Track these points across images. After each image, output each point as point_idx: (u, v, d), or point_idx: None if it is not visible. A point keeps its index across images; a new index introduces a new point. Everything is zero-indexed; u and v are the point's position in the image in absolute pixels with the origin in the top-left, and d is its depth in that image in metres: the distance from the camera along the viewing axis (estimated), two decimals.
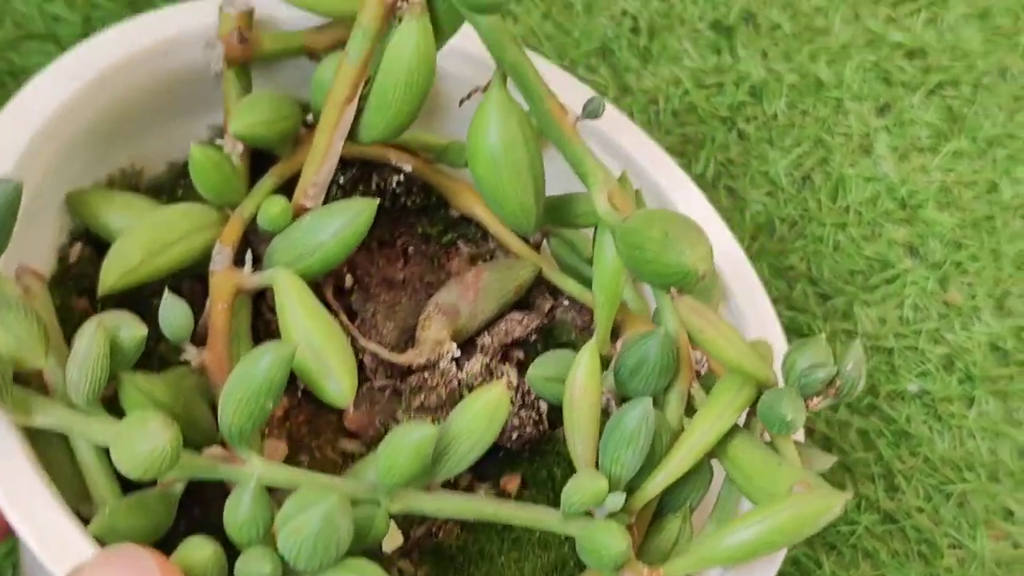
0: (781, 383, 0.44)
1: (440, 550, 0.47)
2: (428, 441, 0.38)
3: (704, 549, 0.42)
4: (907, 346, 0.71)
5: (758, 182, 0.75)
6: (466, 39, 0.45)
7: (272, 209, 0.46)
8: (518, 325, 0.51)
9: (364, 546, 0.40)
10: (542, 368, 0.47)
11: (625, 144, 0.55)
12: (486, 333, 0.51)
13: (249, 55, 0.49)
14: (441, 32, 0.44)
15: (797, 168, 0.76)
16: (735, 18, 0.79)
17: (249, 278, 0.46)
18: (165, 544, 0.39)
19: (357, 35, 0.44)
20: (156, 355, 0.47)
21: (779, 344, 0.51)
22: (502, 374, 0.49)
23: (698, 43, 0.78)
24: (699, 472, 0.45)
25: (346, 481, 0.41)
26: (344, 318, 0.50)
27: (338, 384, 0.42)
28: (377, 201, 0.46)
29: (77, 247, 0.50)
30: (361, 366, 0.49)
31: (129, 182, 0.52)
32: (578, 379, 0.43)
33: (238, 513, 0.38)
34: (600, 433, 0.43)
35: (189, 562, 0.38)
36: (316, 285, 0.50)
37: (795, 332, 0.70)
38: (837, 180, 0.76)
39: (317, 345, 0.42)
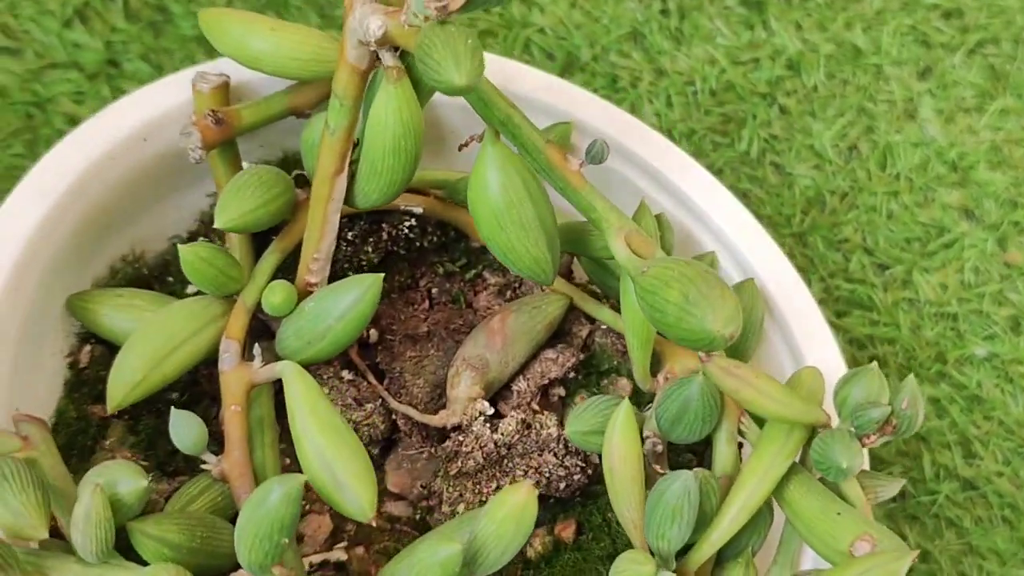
0: (834, 418, 0.42)
1: None
2: (454, 560, 0.37)
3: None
4: (971, 310, 0.70)
5: (804, 156, 0.73)
6: None
7: (274, 298, 0.45)
8: (554, 365, 0.49)
9: None
10: (579, 423, 0.45)
11: (648, 156, 0.52)
12: (521, 377, 0.49)
13: (229, 134, 0.47)
14: (424, 88, 0.42)
15: (842, 139, 0.74)
16: None
17: (260, 372, 0.44)
18: None
19: (335, 106, 0.42)
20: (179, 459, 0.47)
21: (833, 360, 0.49)
22: (540, 426, 0.47)
23: (730, 20, 0.76)
24: (758, 518, 0.43)
25: None
26: (372, 379, 0.49)
27: (355, 498, 0.40)
28: (381, 276, 0.44)
29: (87, 349, 0.49)
30: (395, 427, 0.48)
31: (133, 267, 0.51)
32: (615, 446, 0.42)
33: None
34: (646, 493, 0.41)
35: None
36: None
37: (856, 304, 0.69)
38: (884, 148, 0.74)
39: (329, 457, 0.40)
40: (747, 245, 0.51)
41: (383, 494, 0.49)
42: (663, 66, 0.74)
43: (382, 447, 0.49)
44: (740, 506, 0.41)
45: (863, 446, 0.41)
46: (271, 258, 0.47)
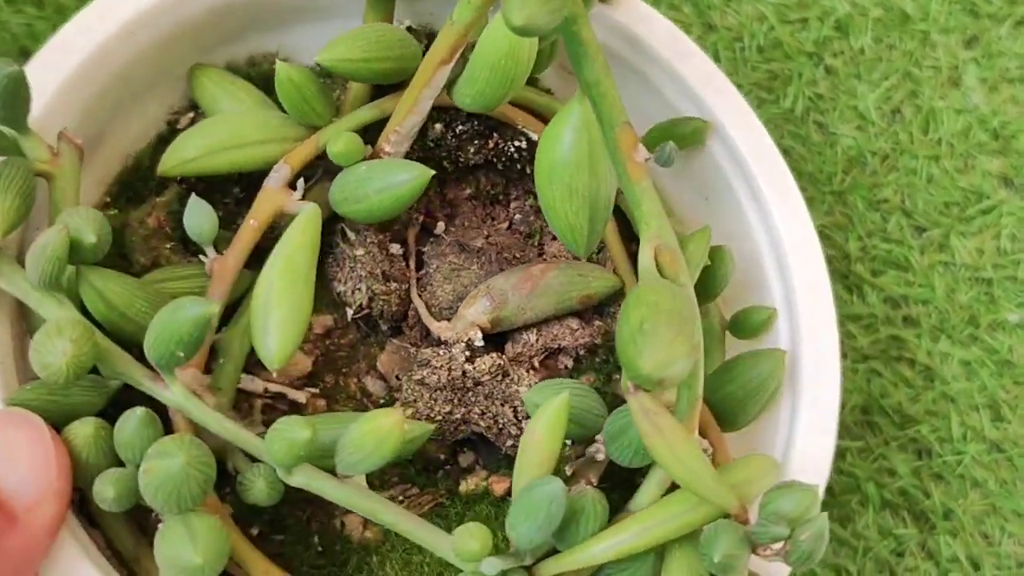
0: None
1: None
2: (301, 444, 0.38)
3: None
4: (1006, 276, 0.69)
5: (847, 116, 0.73)
6: None
7: (336, 146, 0.46)
8: (569, 334, 0.49)
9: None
10: (537, 395, 0.44)
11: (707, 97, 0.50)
12: (534, 331, 0.49)
13: None
14: None
15: (886, 102, 0.74)
16: None
17: (292, 202, 0.45)
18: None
19: (464, 2, 0.43)
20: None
21: (831, 397, 0.47)
22: (516, 380, 0.47)
23: None
24: (637, 565, 0.42)
25: (252, 440, 0.41)
26: (411, 264, 0.50)
27: (270, 346, 0.40)
28: (431, 173, 0.44)
29: (189, 116, 0.51)
30: (407, 315, 0.49)
31: (269, 68, 0.52)
32: (536, 431, 0.41)
33: (122, 432, 0.39)
34: None
35: (74, 436, 0.39)
36: (404, 222, 0.51)
37: (892, 264, 0.69)
38: (927, 113, 0.73)
39: (272, 301, 0.41)
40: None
41: (370, 369, 0.49)
42: (713, 21, 0.74)
43: (393, 328, 0.50)
44: (610, 544, 0.40)
45: (755, 553, 0.39)
46: (366, 113, 0.48)
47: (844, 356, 0.67)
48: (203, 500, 0.38)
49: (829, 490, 0.64)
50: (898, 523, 0.64)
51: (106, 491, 0.39)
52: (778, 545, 0.39)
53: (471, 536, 0.39)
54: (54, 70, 0.45)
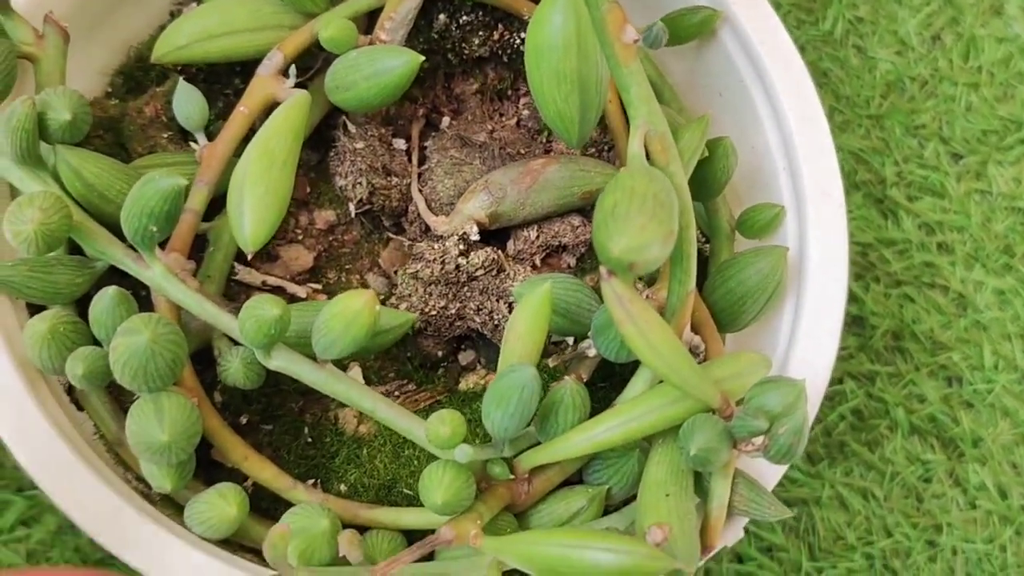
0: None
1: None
2: (271, 321, 0.37)
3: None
4: None
5: (887, 41, 0.71)
6: None
7: (327, 32, 0.44)
8: (571, 231, 0.47)
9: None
10: (525, 287, 0.42)
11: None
12: (535, 227, 0.47)
13: None
14: None
15: (927, 27, 0.72)
16: None
17: (283, 89, 0.44)
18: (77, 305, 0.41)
19: None
20: None
21: (836, 299, 0.45)
22: (511, 276, 0.46)
23: None
24: (622, 463, 0.41)
25: (222, 318, 0.40)
26: (414, 159, 0.49)
27: (245, 229, 0.40)
28: (420, 59, 0.43)
29: (192, 6, 0.50)
30: (407, 210, 0.48)
31: None
32: (518, 319, 0.40)
33: (95, 310, 0.39)
34: None
35: (33, 332, 0.39)
36: (409, 117, 0.50)
37: (928, 190, 0.68)
38: (968, 40, 0.72)
39: (248, 182, 0.40)
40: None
41: (373, 266, 0.49)
42: None
43: (396, 225, 0.49)
44: (589, 436, 0.39)
45: (735, 449, 0.38)
46: (363, 1, 0.47)
47: (876, 281, 0.66)
48: (173, 380, 0.37)
49: (858, 414, 0.63)
50: (926, 449, 0.63)
51: (76, 367, 0.39)
52: (759, 441, 0.38)
53: (442, 422, 0.38)
54: None
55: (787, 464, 0.38)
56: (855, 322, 0.65)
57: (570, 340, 0.46)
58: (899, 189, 0.68)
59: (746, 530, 0.59)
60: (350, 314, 0.37)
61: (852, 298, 0.65)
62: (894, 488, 0.62)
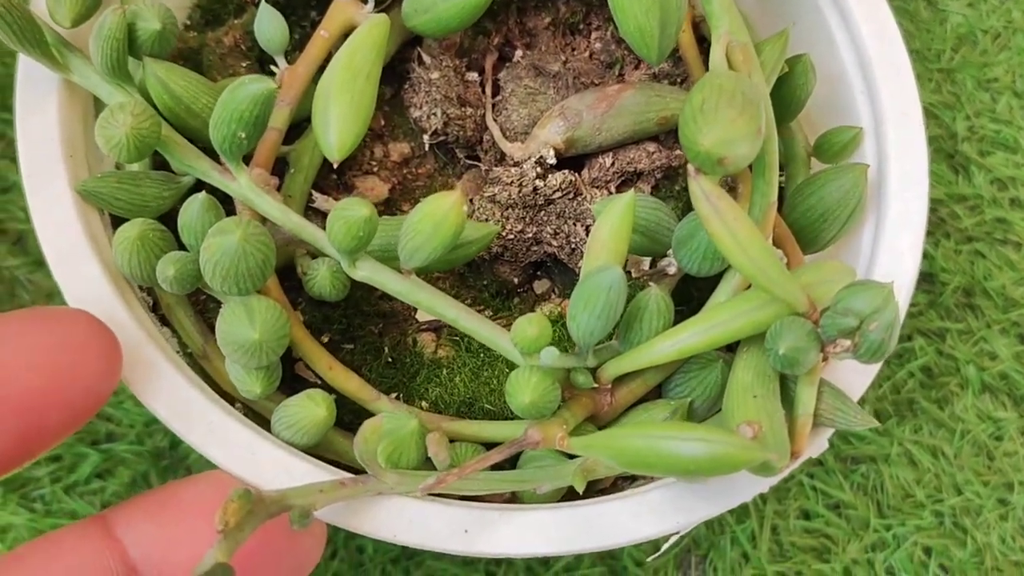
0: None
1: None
2: (360, 223, 0.37)
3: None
4: None
5: None
6: None
7: None
8: (645, 157, 0.47)
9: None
10: (609, 201, 0.41)
11: None
12: (610, 153, 0.47)
13: None
14: None
15: None
16: None
17: (362, 15, 0.45)
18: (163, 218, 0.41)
19: None
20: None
21: (918, 217, 0.44)
22: (588, 199, 0.46)
23: None
24: (705, 373, 0.41)
25: (315, 231, 0.40)
26: (487, 89, 0.49)
27: (331, 138, 0.40)
28: None
29: None
30: (481, 139, 0.48)
31: None
32: (600, 230, 0.40)
33: (185, 216, 0.39)
34: None
35: (123, 238, 0.40)
36: (482, 49, 0.50)
37: (1001, 145, 0.67)
38: None
39: (332, 93, 0.40)
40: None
41: None
42: None
43: (470, 157, 0.50)
44: (674, 342, 0.39)
45: (823, 352, 0.38)
46: None
47: (947, 237, 0.65)
48: (262, 282, 0.38)
49: (928, 371, 0.62)
50: (997, 407, 0.62)
51: (166, 270, 0.39)
52: (847, 343, 0.37)
53: (529, 323, 0.38)
54: None
55: (878, 363, 0.37)
56: (925, 279, 0.64)
57: (646, 263, 0.46)
58: (971, 144, 0.67)
59: (813, 487, 0.59)
60: (439, 214, 0.37)
61: (922, 254, 0.64)
62: (964, 446, 0.61)
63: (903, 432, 0.61)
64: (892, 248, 0.44)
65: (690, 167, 0.36)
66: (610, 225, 0.39)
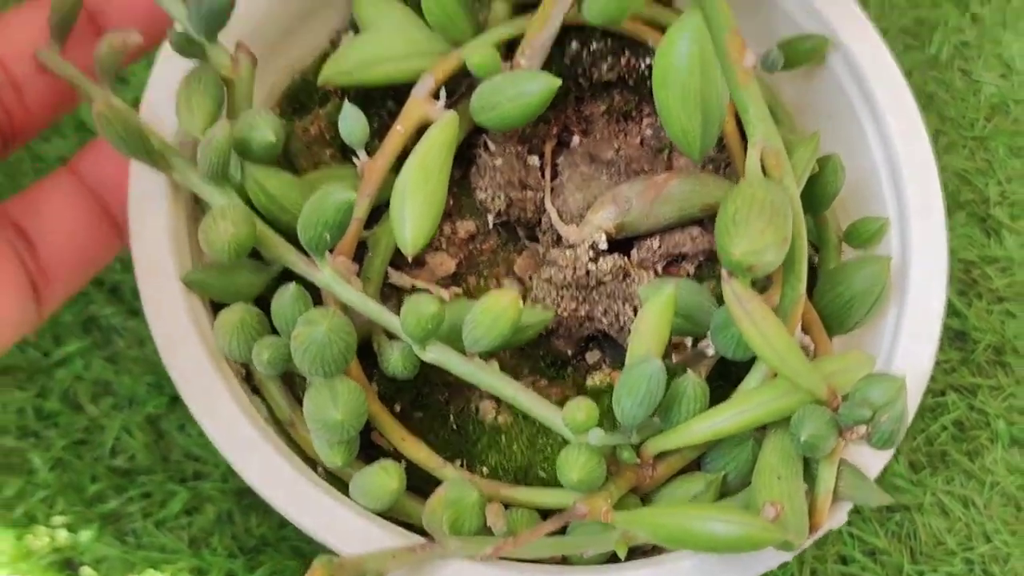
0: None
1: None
2: (430, 316, 0.42)
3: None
4: None
5: (991, 64, 0.74)
6: None
7: (475, 58, 0.50)
8: (689, 241, 0.52)
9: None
10: (650, 288, 0.48)
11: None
12: (657, 237, 0.52)
13: None
14: None
15: None
16: None
17: (434, 109, 0.49)
18: (257, 303, 0.47)
19: None
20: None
21: (936, 306, 0.49)
22: (636, 280, 0.50)
23: None
24: (736, 450, 0.46)
25: (389, 317, 0.45)
26: (546, 173, 0.54)
27: (406, 234, 0.45)
28: (558, 82, 0.48)
29: (350, 33, 0.57)
30: (540, 220, 0.53)
31: None
32: (645, 319, 0.44)
33: (278, 303, 0.45)
34: None
35: (224, 322, 0.45)
36: (542, 136, 0.55)
37: None
38: None
39: (407, 192, 0.45)
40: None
41: (508, 272, 0.54)
42: None
43: (529, 235, 0.55)
44: (708, 424, 0.44)
45: (841, 437, 0.42)
46: (504, 29, 0.52)
47: (979, 297, 0.68)
48: (345, 367, 0.43)
49: (960, 425, 0.66)
50: None
51: (261, 353, 0.44)
52: (862, 430, 0.42)
53: (578, 408, 0.43)
54: None
55: (889, 451, 0.42)
56: (958, 336, 0.68)
57: (688, 342, 0.50)
58: (1002, 208, 0.71)
59: (850, 534, 0.63)
60: (498, 309, 0.42)
61: (955, 313, 0.68)
62: (994, 496, 0.65)
63: (936, 483, 0.65)
64: (912, 334, 0.48)
65: (723, 271, 0.41)
66: (652, 317, 0.44)
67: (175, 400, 0.63)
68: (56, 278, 0.47)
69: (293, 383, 0.49)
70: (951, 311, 0.68)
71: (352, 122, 0.48)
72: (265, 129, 0.45)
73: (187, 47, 0.46)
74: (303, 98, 0.55)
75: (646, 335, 0.43)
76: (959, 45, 0.75)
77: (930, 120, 0.72)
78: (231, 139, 0.44)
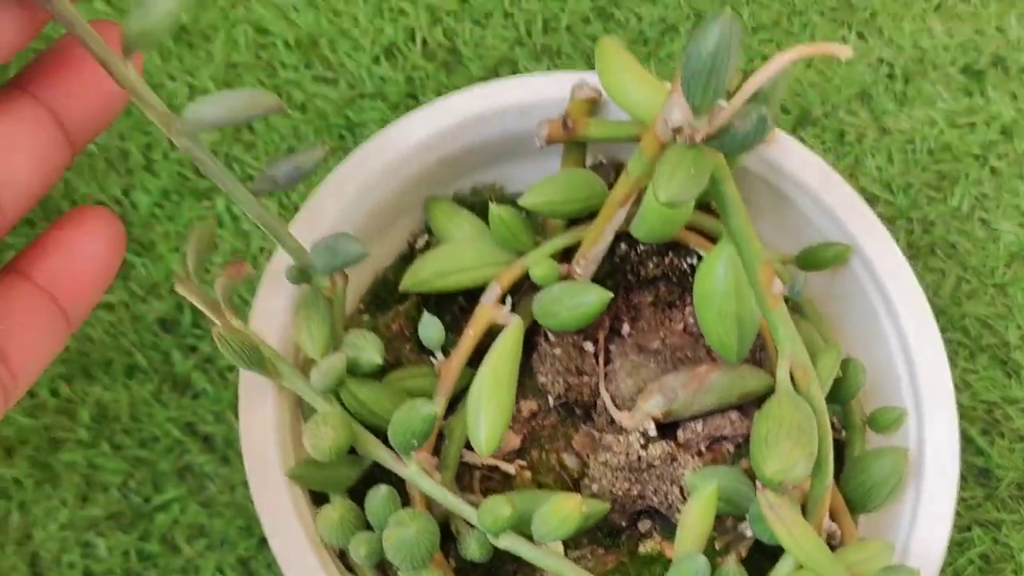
0: None
1: None
2: (504, 519, 0.49)
3: None
4: None
5: (1010, 214, 0.79)
6: None
7: (537, 270, 0.57)
8: (729, 425, 0.58)
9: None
10: (696, 478, 0.53)
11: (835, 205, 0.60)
12: (700, 422, 0.58)
13: (571, 137, 0.58)
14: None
15: None
16: (985, 63, 0.84)
17: (503, 316, 0.56)
18: (350, 495, 0.54)
19: (636, 157, 0.51)
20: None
21: (949, 489, 0.55)
22: (682, 464, 0.56)
23: (951, 86, 0.83)
24: None
25: (468, 510, 0.51)
26: (600, 361, 0.61)
27: (480, 436, 0.52)
28: (610, 295, 0.55)
29: (424, 238, 0.64)
30: (595, 404, 0.60)
31: (486, 197, 0.64)
32: (691, 512, 0.50)
33: (372, 503, 0.52)
34: None
35: (326, 518, 0.52)
36: (596, 325, 0.61)
37: None
38: None
39: (482, 399, 0.52)
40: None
41: (567, 447, 0.60)
42: (887, 125, 0.82)
43: (585, 414, 0.61)
44: None
45: None
46: (561, 240, 0.59)
47: (1002, 436, 0.74)
48: (431, 559, 0.49)
49: (985, 558, 0.71)
50: None
51: (359, 549, 0.51)
52: None
53: None
54: (332, 200, 0.58)
55: None
56: (982, 474, 0.73)
57: (728, 521, 0.57)
58: (1021, 352, 0.76)
59: None
60: (565, 512, 0.49)
61: (978, 452, 0.73)
62: None
63: None
64: (929, 513, 0.54)
65: (759, 483, 0.48)
66: (698, 510, 0.50)
67: (263, 542, 0.69)
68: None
69: (387, 568, 0.55)
70: (975, 450, 0.73)
71: (430, 329, 0.56)
72: (372, 352, 0.53)
73: (300, 278, 0.54)
74: (383, 295, 0.63)
75: (692, 529, 0.50)
76: (979, 196, 0.80)
77: (953, 269, 0.78)
78: (346, 365, 0.52)
